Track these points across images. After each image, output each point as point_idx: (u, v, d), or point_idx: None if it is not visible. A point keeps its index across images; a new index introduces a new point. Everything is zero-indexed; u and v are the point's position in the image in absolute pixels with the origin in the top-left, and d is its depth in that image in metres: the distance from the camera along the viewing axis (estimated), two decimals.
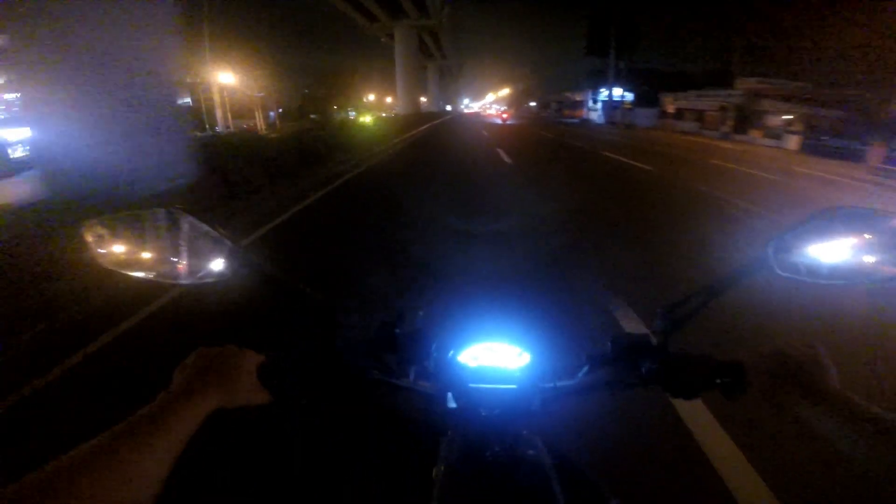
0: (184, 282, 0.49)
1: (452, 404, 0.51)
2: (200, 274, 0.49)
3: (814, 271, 0.48)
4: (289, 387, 0.49)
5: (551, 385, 0.52)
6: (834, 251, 0.47)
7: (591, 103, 36.60)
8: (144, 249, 0.49)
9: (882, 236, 0.46)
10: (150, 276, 0.50)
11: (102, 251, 0.49)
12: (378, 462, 1.21)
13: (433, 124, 26.30)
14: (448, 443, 0.52)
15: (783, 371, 0.42)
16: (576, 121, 35.22)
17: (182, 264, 0.48)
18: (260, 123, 33.22)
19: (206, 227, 0.48)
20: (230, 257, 0.49)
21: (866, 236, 0.47)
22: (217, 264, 0.49)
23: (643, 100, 28.80)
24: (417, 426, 0.53)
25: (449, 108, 67.76)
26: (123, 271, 0.49)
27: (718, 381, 0.46)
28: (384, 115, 31.26)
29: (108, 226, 0.49)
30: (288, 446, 1.39)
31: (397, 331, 0.55)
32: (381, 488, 1.14)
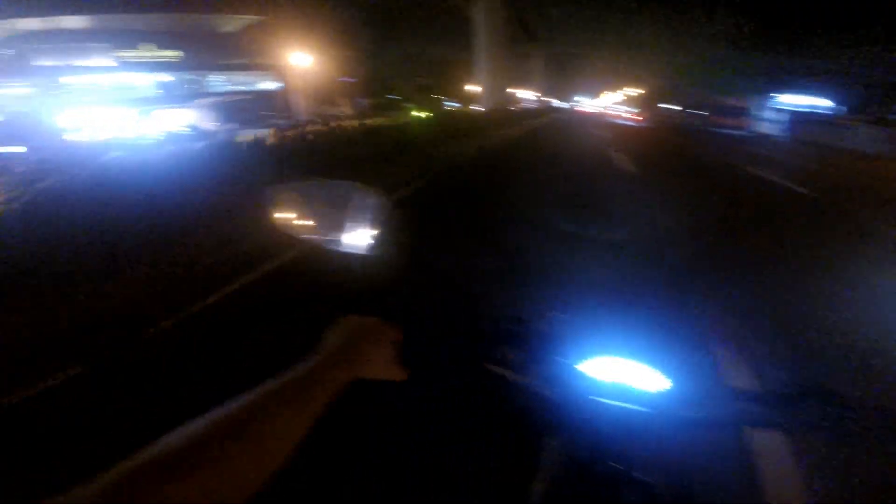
0: (343, 249, 0.63)
1: (569, 412, 0.56)
2: (361, 244, 0.62)
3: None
4: (424, 365, 0.58)
5: (694, 416, 0.53)
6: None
7: (760, 111, 31.29)
8: (316, 216, 0.64)
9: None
10: (315, 238, 0.64)
11: (279, 215, 0.65)
12: (479, 457, 1.40)
13: (521, 129, 22.22)
14: (556, 451, 0.57)
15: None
16: (738, 133, 29.17)
17: (346, 233, 0.62)
18: (346, 111, 37.15)
19: (375, 202, 0.61)
20: (390, 233, 0.61)
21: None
22: (378, 238, 0.62)
23: (857, 110, 24.25)
24: (526, 428, 0.59)
25: (556, 103, 66.29)
26: (292, 234, 0.65)
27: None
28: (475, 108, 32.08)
29: (289, 192, 0.65)
30: (408, 422, 1.68)
31: (531, 327, 0.61)
32: (481, 483, 1.30)
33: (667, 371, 0.56)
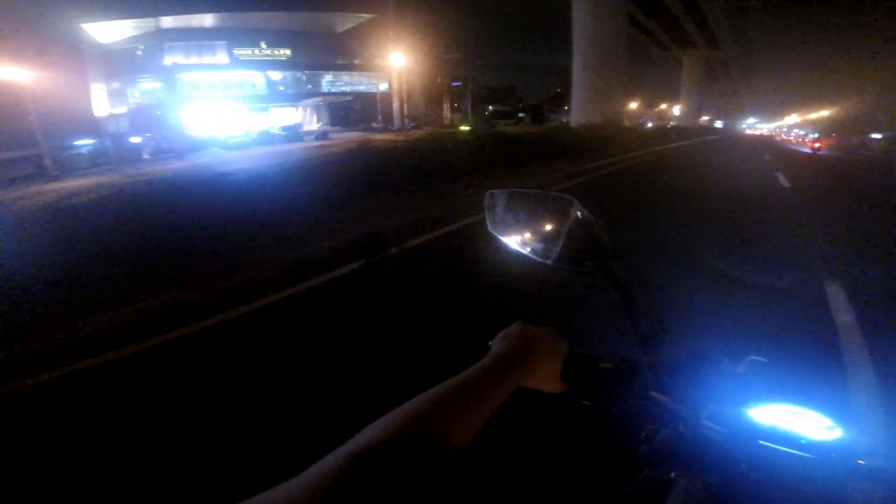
0: (551, 263, 0.75)
1: (734, 456, 0.60)
2: (570, 261, 0.74)
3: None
4: (581, 386, 0.67)
5: (867, 465, 0.55)
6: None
7: None
8: (530, 226, 0.78)
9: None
10: (525, 250, 0.78)
11: (494, 218, 0.80)
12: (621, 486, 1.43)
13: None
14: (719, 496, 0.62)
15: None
16: None
17: (556, 247, 0.74)
18: (447, 115, 38.94)
19: (591, 220, 0.72)
20: (602, 256, 0.72)
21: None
22: (588, 258, 0.73)
23: None
24: (684, 468, 0.64)
25: (720, 124, 67.13)
26: (505, 240, 0.80)
27: None
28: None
29: (506, 197, 0.80)
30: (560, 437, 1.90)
31: (705, 368, 0.68)
32: None
33: (839, 419, 0.60)
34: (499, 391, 0.53)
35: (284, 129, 30.94)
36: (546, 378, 0.63)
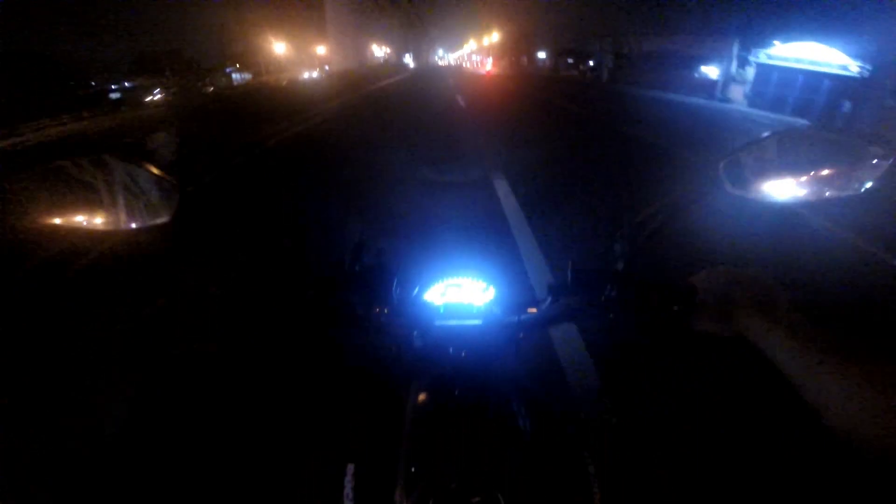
0: (125, 227, 0.66)
1: (419, 344, 0.68)
2: (141, 218, 0.66)
3: (764, 190, 0.68)
4: (258, 327, 0.66)
5: (516, 318, 0.70)
6: (785, 171, 0.67)
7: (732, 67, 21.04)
8: (78, 200, 0.66)
9: (833, 157, 0.65)
10: (89, 224, 0.67)
11: (35, 209, 0.66)
12: (339, 412, 1.53)
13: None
14: (416, 385, 0.66)
15: (735, 294, 0.56)
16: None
17: (120, 210, 0.65)
18: None
19: (144, 171, 0.65)
20: (172, 199, 0.67)
21: (817, 157, 0.66)
22: (159, 207, 0.66)
23: None
24: (382, 371, 0.69)
25: (409, 59, 69.63)
26: (57, 222, 0.67)
27: (675, 307, 0.62)
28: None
29: (32, 181, 0.66)
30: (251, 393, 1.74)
31: (357, 268, 0.71)
32: (349, 436, 1.37)
33: (493, 282, 0.72)
34: None
35: None
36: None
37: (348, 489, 0.58)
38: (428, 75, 40.06)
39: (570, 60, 38.71)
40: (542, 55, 46.83)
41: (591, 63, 35.12)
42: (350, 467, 0.61)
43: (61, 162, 0.65)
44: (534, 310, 0.71)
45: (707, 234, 2.58)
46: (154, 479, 1.41)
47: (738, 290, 0.57)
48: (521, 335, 0.71)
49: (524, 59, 50.71)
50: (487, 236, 3.54)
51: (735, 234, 2.83)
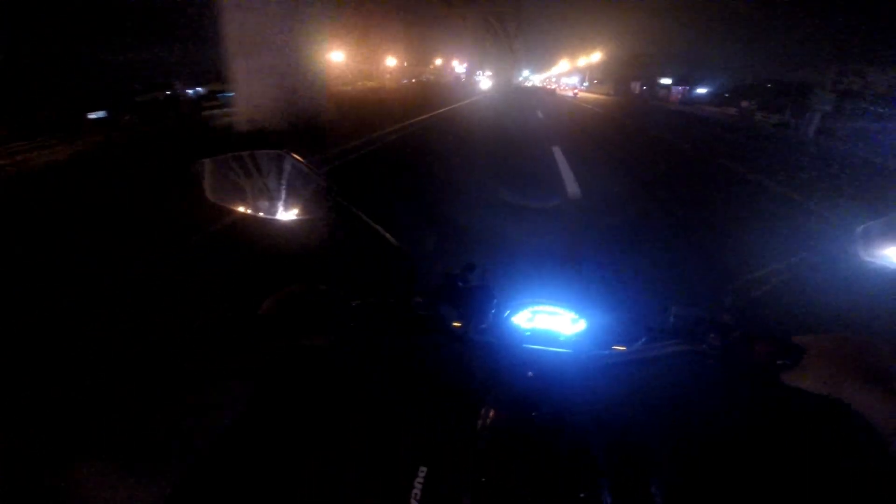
0: (282, 218, 0.75)
1: (504, 363, 0.69)
2: (297, 212, 0.74)
3: None
4: (360, 328, 0.70)
5: (606, 353, 0.69)
6: None
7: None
8: (249, 186, 0.75)
9: None
10: (252, 210, 0.76)
11: (210, 188, 0.76)
12: (419, 416, 1.50)
13: None
14: (495, 402, 0.68)
15: (842, 360, 0.54)
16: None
17: (281, 202, 0.74)
18: None
19: (306, 169, 0.73)
20: (326, 198, 0.74)
21: None
22: (313, 204, 0.74)
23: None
24: (464, 382, 0.72)
25: (485, 79, 56.59)
26: (227, 206, 0.76)
27: (779, 362, 0.60)
28: None
29: (216, 164, 0.76)
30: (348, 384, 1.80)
31: (461, 284, 0.75)
32: (421, 442, 1.39)
33: (584, 314, 0.73)
34: (264, 353, 0.59)
35: None
36: (321, 331, 0.67)
37: (417, 490, 0.60)
38: (504, 104, 27.76)
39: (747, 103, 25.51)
40: (666, 80, 37.96)
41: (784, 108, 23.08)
42: (422, 469, 0.63)
43: (240, 153, 0.74)
44: (624, 348, 0.71)
45: (829, 300, 2.43)
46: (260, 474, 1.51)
47: (851, 357, 0.54)
48: (608, 371, 0.70)
49: (635, 87, 44.23)
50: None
51: (861, 303, 2.59)
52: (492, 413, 0.66)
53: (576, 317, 0.74)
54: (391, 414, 1.74)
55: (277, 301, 0.65)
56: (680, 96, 34.60)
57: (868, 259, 0.65)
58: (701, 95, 30.21)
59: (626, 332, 0.75)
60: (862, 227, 0.66)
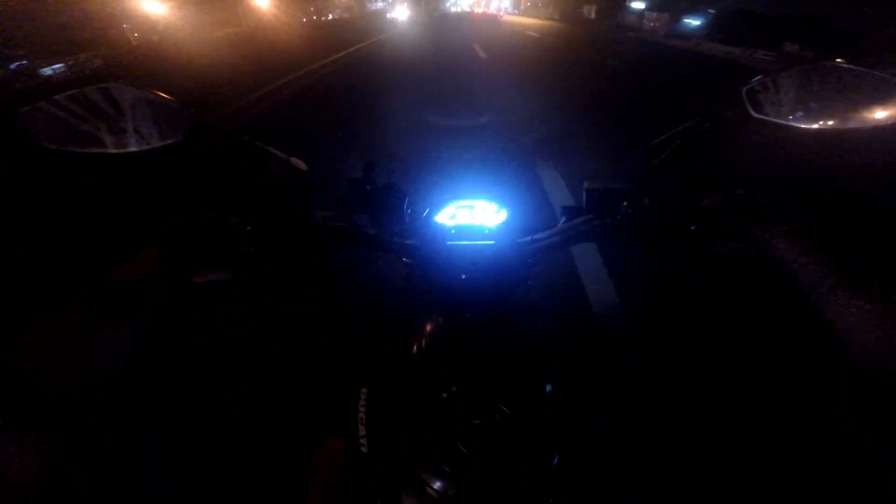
0: (135, 149, 0.66)
1: (431, 264, 0.67)
2: (151, 140, 0.66)
3: (789, 116, 0.69)
4: (268, 251, 0.65)
5: (529, 239, 0.69)
6: (812, 99, 0.68)
7: None
8: (90, 125, 0.66)
9: (861, 90, 0.66)
10: (101, 149, 0.67)
11: (49, 133, 0.66)
12: (352, 325, 1.64)
13: None
14: (427, 306, 0.66)
15: (753, 216, 0.58)
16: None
17: (130, 133, 0.65)
18: None
19: (151, 96, 0.65)
20: (180, 121, 0.65)
21: (843, 90, 0.67)
22: (168, 128, 0.65)
23: None
24: (392, 288, 0.70)
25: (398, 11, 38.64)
26: (72, 149, 0.67)
27: (693, 227, 0.63)
28: None
29: (48, 109, 0.66)
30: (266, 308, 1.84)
31: (368, 188, 0.72)
32: (361, 361, 1.44)
33: (505, 204, 0.72)
34: (154, 293, 0.54)
35: None
36: (217, 260, 0.63)
37: (362, 413, 0.59)
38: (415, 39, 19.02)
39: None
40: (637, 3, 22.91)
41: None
42: (363, 391, 0.62)
43: (71, 93, 0.64)
44: (547, 231, 0.71)
45: (726, 159, 2.48)
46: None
47: (757, 212, 0.58)
48: (536, 256, 0.70)
49: (589, 10, 28.86)
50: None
51: (755, 160, 2.76)
52: (427, 320, 0.64)
53: (497, 207, 0.73)
54: (319, 340, 1.77)
55: (162, 236, 0.58)
56: (660, 26, 21.16)
57: (756, 115, 0.71)
58: (694, 28, 18.67)
59: (545, 216, 0.76)
60: (745, 87, 0.71)
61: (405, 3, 41.98)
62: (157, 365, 1.61)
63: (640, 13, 23.31)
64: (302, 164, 0.70)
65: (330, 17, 34.53)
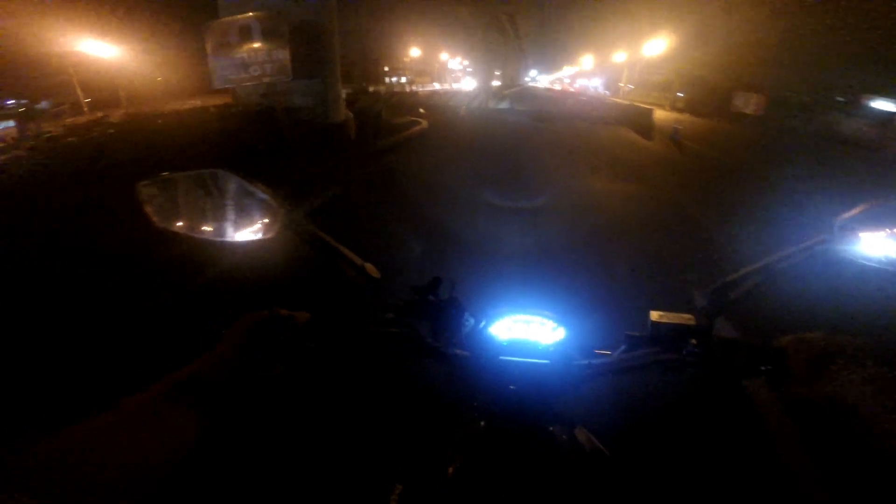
0: (230, 240, 0.70)
1: (482, 376, 0.67)
2: (246, 233, 0.70)
3: (884, 256, 0.64)
4: (329, 349, 0.67)
5: (586, 363, 0.68)
6: None
7: None
8: (194, 208, 0.71)
9: None
10: (199, 233, 0.71)
11: (155, 210, 0.71)
12: (400, 430, 1.58)
13: None
14: (472, 416, 0.67)
15: (829, 360, 0.54)
16: None
17: (228, 223, 0.70)
18: None
19: (252, 189, 0.69)
20: (275, 218, 0.69)
21: None
22: (263, 224, 0.69)
23: None
24: (443, 396, 0.69)
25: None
26: (174, 229, 0.72)
27: (762, 367, 0.60)
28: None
29: (159, 186, 0.72)
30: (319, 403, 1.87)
31: (431, 297, 0.73)
32: (401, 458, 1.40)
33: (563, 322, 0.71)
34: (225, 384, 0.56)
35: None
36: (286, 353, 0.65)
37: None
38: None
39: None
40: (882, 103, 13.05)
41: None
42: (398, 488, 0.61)
43: (186, 173, 0.70)
44: (608, 352, 0.70)
45: (809, 297, 2.35)
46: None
47: (832, 356, 0.55)
48: (589, 381, 0.69)
49: (746, 102, 21.23)
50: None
51: (841, 300, 2.55)
52: (470, 428, 0.65)
53: (555, 325, 0.71)
54: (362, 434, 1.76)
55: (238, 331, 0.61)
56: None
57: (847, 255, 0.66)
58: None
59: (605, 339, 0.74)
60: (838, 221, 0.66)
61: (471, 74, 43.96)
62: (215, 456, 1.66)
63: (886, 117, 11.44)
64: (375, 272, 0.73)
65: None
